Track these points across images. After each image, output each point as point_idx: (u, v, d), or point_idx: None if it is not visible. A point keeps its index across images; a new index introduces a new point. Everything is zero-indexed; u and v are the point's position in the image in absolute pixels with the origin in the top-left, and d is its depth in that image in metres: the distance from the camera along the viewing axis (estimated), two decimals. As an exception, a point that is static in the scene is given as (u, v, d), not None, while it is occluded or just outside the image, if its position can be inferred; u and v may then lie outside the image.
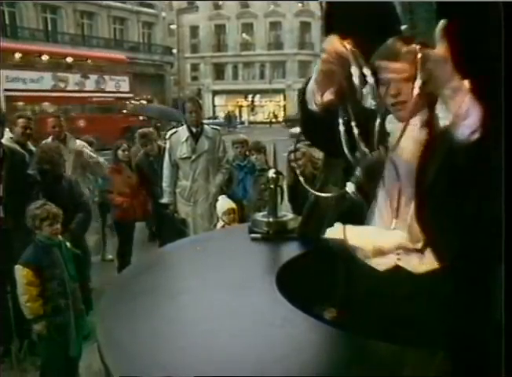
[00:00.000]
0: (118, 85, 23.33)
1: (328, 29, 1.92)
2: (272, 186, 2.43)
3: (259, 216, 2.43)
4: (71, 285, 3.38)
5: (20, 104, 17.53)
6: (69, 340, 3.32)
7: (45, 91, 20.01)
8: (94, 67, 22.57)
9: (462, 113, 1.33)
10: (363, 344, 1.42)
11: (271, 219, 2.34)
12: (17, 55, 19.64)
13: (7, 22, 26.61)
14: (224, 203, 4.36)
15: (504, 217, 1.03)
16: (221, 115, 39.73)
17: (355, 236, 1.62)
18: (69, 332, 3.31)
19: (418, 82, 1.35)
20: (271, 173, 2.47)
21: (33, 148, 4.68)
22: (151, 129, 7.08)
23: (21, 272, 3.21)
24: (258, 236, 2.30)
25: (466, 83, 1.36)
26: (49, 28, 28.82)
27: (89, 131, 9.95)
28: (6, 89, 17.70)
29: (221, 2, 43.39)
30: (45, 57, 20.81)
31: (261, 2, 42.20)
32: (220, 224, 4.27)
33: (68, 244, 3.50)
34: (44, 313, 3.26)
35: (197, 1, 40.60)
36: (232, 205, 4.33)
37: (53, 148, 4.31)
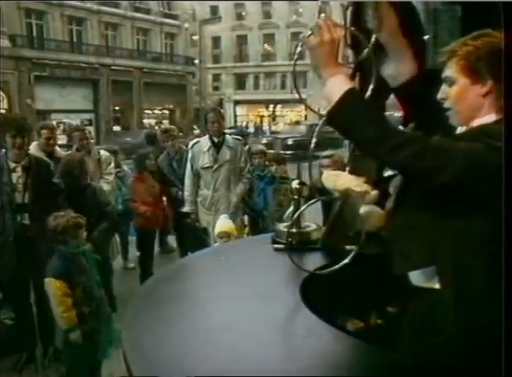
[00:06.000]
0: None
1: (353, 40, 1.92)
2: (295, 197, 2.42)
3: (282, 226, 2.42)
4: (98, 291, 3.40)
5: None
6: (98, 345, 3.32)
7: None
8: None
9: None
10: (387, 356, 1.41)
11: (294, 229, 2.34)
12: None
13: (34, 34, 27.22)
14: (219, 224, 3.95)
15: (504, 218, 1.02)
16: (243, 124, 40.03)
17: None
18: (98, 338, 3.31)
19: None
20: (294, 184, 2.46)
21: (60, 157, 4.77)
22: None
23: (54, 284, 3.17)
24: (281, 246, 2.29)
25: None
26: (74, 39, 29.30)
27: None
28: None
29: (243, 13, 43.66)
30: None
31: (283, 13, 42.34)
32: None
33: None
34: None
35: (220, 12, 40.83)
36: (225, 228, 3.84)
37: (75, 159, 4.38)
